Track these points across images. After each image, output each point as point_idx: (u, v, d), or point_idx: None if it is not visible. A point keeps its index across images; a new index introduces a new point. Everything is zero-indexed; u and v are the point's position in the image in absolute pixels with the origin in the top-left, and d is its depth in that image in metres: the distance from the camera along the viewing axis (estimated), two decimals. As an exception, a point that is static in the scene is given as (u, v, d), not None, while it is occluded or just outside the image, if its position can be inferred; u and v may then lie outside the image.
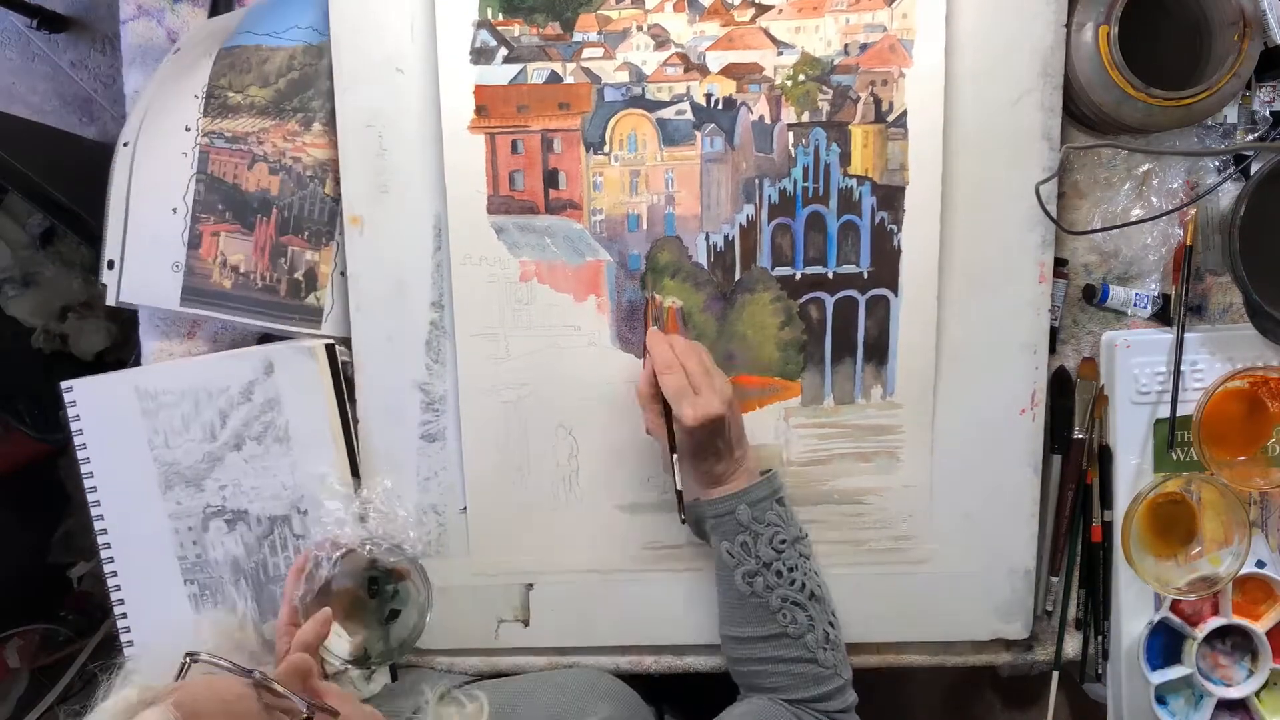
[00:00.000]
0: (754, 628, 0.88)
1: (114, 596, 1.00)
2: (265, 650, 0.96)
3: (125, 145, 0.97)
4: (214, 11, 1.02)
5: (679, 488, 0.89)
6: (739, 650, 0.90)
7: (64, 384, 0.99)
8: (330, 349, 0.97)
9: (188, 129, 0.97)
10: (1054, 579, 0.99)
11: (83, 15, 1.94)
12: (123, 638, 1.00)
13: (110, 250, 0.98)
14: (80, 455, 0.99)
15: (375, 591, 0.92)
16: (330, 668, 0.89)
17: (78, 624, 1.71)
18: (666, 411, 0.88)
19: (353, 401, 0.99)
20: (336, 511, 0.93)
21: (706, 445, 0.87)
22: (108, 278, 0.98)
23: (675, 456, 0.89)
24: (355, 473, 0.98)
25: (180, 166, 0.97)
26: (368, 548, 0.91)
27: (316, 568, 0.89)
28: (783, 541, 0.88)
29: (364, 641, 0.91)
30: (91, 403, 0.99)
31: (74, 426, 0.99)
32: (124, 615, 1.01)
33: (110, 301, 0.98)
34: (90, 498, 0.99)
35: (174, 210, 0.98)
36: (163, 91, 0.97)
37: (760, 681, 0.88)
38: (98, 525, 0.99)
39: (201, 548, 1.00)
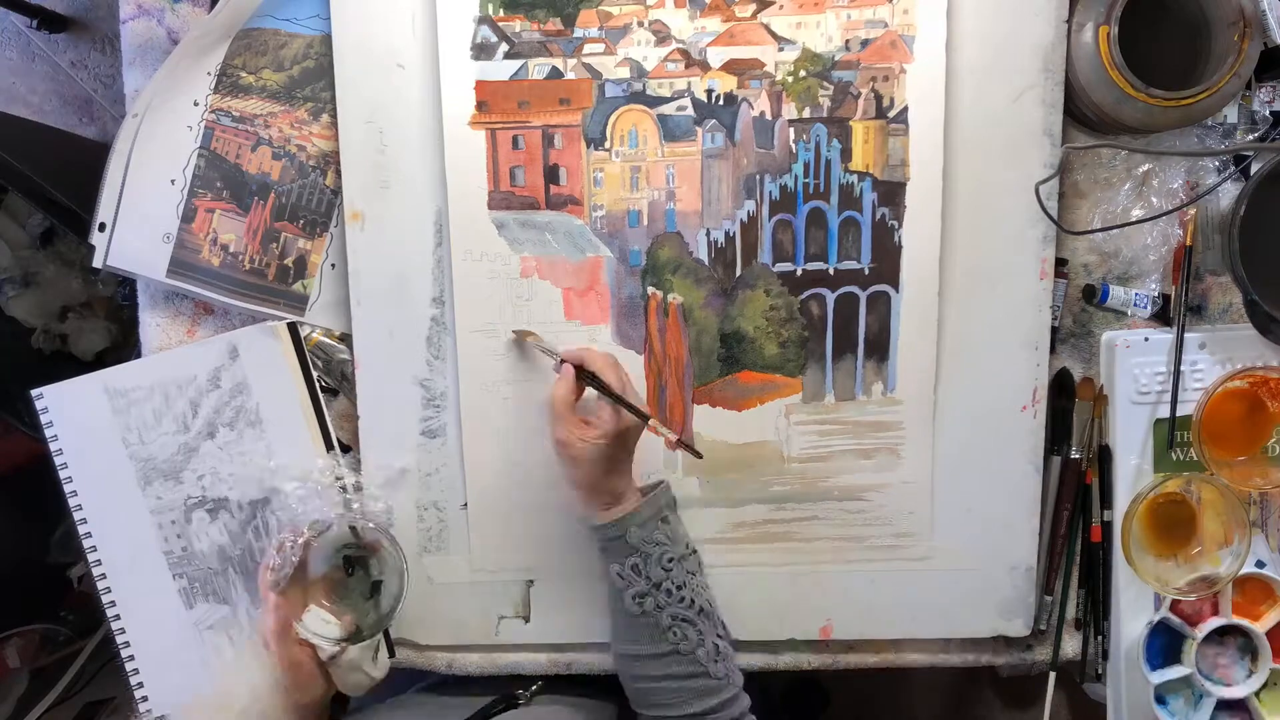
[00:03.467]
0: (646, 645, 0.88)
1: (105, 599, 0.99)
2: None
3: (134, 116, 0.96)
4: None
5: (678, 436, 0.87)
6: (633, 668, 0.90)
7: (34, 391, 0.98)
8: (293, 327, 0.97)
9: (196, 104, 0.97)
10: (1048, 597, 0.99)
11: (83, 15, 1.94)
12: (118, 639, 1.00)
13: (104, 213, 0.97)
14: (57, 461, 0.99)
15: (352, 570, 0.93)
16: (324, 652, 0.89)
17: (78, 624, 1.70)
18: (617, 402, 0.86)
19: (322, 384, 1.00)
20: (297, 495, 0.95)
21: (619, 455, 0.88)
22: (97, 239, 0.97)
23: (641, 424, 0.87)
24: (330, 449, 0.99)
25: (184, 139, 0.98)
26: (332, 527, 0.92)
27: (284, 557, 0.89)
28: (670, 560, 0.88)
29: (354, 619, 0.92)
30: (63, 408, 0.99)
31: (49, 433, 0.99)
32: (117, 616, 1.00)
33: (97, 264, 0.97)
34: (71, 502, 0.99)
35: (172, 182, 0.98)
36: (178, 65, 0.97)
37: (656, 698, 0.89)
38: (81, 529, 0.99)
39: (186, 540, 0.99)
